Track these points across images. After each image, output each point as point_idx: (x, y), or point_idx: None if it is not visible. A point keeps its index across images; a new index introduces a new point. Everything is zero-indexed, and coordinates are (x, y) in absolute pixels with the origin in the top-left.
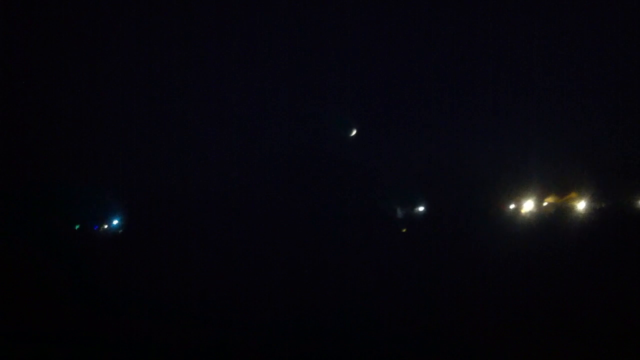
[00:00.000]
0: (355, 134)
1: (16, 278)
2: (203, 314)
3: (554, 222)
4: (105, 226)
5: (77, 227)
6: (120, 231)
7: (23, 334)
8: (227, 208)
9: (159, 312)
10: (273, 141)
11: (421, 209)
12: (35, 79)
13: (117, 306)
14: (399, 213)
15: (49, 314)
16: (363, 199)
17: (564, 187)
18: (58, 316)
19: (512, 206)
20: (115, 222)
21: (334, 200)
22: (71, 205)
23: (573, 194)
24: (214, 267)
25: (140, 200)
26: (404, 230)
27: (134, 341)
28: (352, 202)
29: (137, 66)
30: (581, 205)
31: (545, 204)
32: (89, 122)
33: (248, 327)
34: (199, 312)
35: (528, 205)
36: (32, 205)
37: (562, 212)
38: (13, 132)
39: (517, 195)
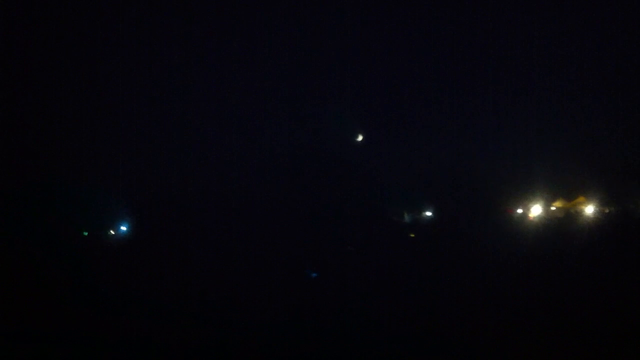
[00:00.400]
0: (364, 137)
1: (21, 280)
2: (205, 314)
3: (562, 226)
4: (111, 230)
5: (85, 233)
6: (123, 233)
7: (25, 334)
8: (234, 211)
9: (160, 313)
10: (281, 146)
11: (429, 213)
12: (43, 85)
13: (118, 307)
14: (407, 218)
15: (51, 314)
16: (369, 202)
17: (572, 192)
18: (60, 317)
19: (520, 210)
20: (120, 225)
21: (338, 202)
22: (77, 209)
23: (581, 198)
24: (217, 268)
25: (143, 202)
26: (412, 235)
27: (135, 341)
28: (358, 204)
29: (143, 72)
30: (589, 210)
31: (553, 208)
32: (96, 129)
33: (250, 327)
34: (201, 313)
35: (536, 210)
36: (39, 209)
37: (570, 217)
38: (23, 139)
39: (525, 199)
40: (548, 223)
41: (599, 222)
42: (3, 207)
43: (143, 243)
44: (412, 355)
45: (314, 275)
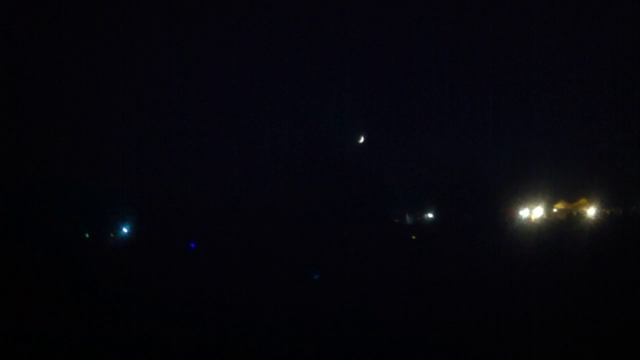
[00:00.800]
0: (366, 138)
1: (22, 280)
2: (208, 315)
3: (564, 228)
4: (111, 232)
5: (86, 235)
6: (124, 235)
7: (26, 334)
8: (236, 211)
9: (161, 313)
10: (283, 147)
11: (431, 215)
12: (46, 85)
13: (118, 307)
14: (409, 219)
15: (52, 315)
16: (371, 203)
17: (573, 193)
18: (61, 317)
19: (521, 212)
20: (121, 227)
21: (340, 203)
22: (78, 211)
23: (583, 200)
24: (219, 268)
25: (144, 202)
26: (413, 237)
27: (135, 341)
28: (359, 206)
29: (143, 72)
30: (591, 211)
31: (554, 210)
32: (99, 130)
33: (252, 328)
34: (203, 314)
35: (538, 212)
36: (40, 210)
37: (572, 218)
38: (25, 140)
39: (527, 201)
40: (550, 225)
41: (601, 223)
42: (4, 207)
43: (143, 244)
44: (414, 356)
45: (315, 276)
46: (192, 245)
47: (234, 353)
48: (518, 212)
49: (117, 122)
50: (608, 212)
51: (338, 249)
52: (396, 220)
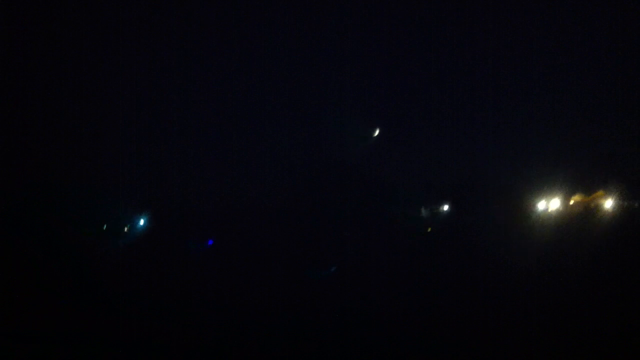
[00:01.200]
0: (379, 135)
1: (26, 279)
2: (210, 314)
3: (581, 222)
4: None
5: (104, 227)
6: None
7: (27, 335)
8: (240, 212)
9: (162, 313)
10: (287, 149)
11: (446, 207)
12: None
13: (119, 307)
14: (424, 213)
15: (52, 315)
16: (373, 202)
17: (590, 185)
18: (63, 317)
19: (537, 205)
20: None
21: (341, 202)
22: (79, 211)
23: (600, 192)
24: (222, 270)
25: (144, 203)
26: (429, 230)
27: (137, 341)
28: (361, 205)
29: (150, 71)
30: (609, 204)
31: (571, 202)
32: (100, 127)
33: (256, 329)
34: (206, 313)
35: (554, 204)
36: (41, 211)
37: (589, 211)
38: (23, 139)
39: (543, 194)
40: (567, 218)
41: (619, 216)
42: (5, 208)
43: (143, 244)
44: (414, 356)
45: (319, 276)
46: (210, 242)
47: (234, 353)
48: (534, 206)
49: (119, 122)
50: (627, 205)
51: (339, 249)
52: (403, 218)
